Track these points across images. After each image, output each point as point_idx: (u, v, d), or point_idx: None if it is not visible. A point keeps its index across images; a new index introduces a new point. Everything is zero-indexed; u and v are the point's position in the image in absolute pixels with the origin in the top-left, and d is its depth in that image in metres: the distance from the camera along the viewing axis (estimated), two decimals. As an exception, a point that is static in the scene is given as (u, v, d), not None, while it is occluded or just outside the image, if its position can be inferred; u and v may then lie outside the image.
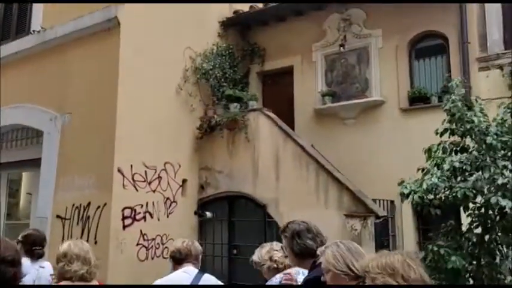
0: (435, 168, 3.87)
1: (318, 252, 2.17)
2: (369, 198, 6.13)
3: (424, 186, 3.64)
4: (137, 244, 6.43)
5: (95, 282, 2.81)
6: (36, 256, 3.89)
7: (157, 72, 6.96)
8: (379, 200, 6.53)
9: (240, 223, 7.27)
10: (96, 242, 6.15)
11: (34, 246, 3.89)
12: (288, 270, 2.87)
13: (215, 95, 7.76)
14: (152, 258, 6.58)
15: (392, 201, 6.87)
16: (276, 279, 2.85)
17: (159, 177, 6.87)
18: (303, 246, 2.50)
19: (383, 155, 7.05)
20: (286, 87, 8.36)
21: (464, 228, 3.91)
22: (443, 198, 3.73)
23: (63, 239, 6.08)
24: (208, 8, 8.04)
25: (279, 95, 8.38)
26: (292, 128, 7.55)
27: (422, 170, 3.98)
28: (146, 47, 6.79)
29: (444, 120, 4.09)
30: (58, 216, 6.55)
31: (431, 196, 3.69)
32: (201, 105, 7.72)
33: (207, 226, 7.50)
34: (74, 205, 6.44)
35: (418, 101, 6.91)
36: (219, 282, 3.24)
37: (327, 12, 7.94)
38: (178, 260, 3.19)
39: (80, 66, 6.83)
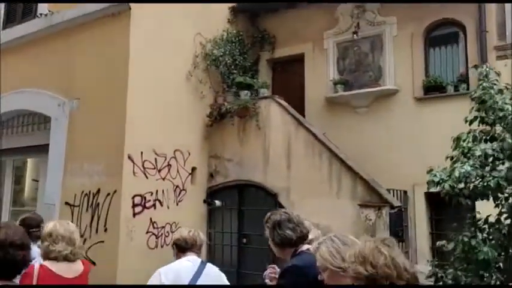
0: (462, 156, 3.77)
1: (311, 249, 2.04)
2: (383, 188, 6.04)
3: (456, 173, 3.53)
4: (147, 232, 6.35)
5: (79, 263, 2.88)
6: (34, 237, 3.97)
7: (168, 58, 6.82)
8: (392, 190, 6.45)
9: (250, 212, 7.18)
10: (106, 230, 6.08)
11: (31, 229, 3.99)
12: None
13: (225, 82, 7.62)
14: (162, 247, 6.50)
15: (405, 192, 6.79)
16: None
17: (169, 165, 6.77)
18: (283, 236, 2.53)
19: (396, 145, 6.95)
20: (297, 75, 8.23)
21: (492, 218, 3.82)
22: (471, 187, 3.64)
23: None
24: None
25: (289, 83, 8.25)
26: (303, 116, 7.42)
27: (451, 158, 3.87)
28: (156, 32, 6.64)
29: (472, 108, 3.97)
30: (67, 203, 6.44)
31: (461, 185, 3.59)
32: (211, 93, 7.58)
33: (216, 214, 7.42)
34: (83, 192, 6.33)
35: (433, 90, 6.79)
36: (221, 274, 3.26)
37: (339, -2, 7.78)
38: (183, 248, 3.21)
39: (89, 51, 6.67)
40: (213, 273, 3.16)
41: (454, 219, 6.53)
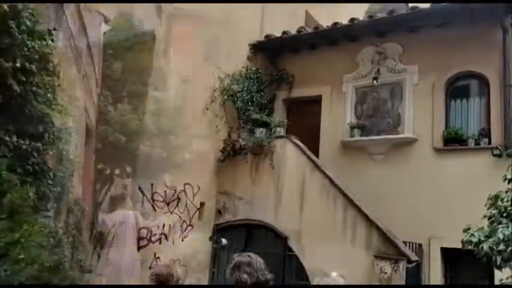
0: (499, 216, 3.58)
1: None
2: (399, 239, 5.80)
3: (500, 236, 3.33)
4: (150, 267, 6.05)
5: None
6: None
7: (187, 90, 6.77)
8: (408, 243, 6.19)
9: (257, 254, 6.86)
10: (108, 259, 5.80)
11: None
12: None
13: (241, 118, 7.53)
14: (163, 284, 6.19)
15: (420, 245, 6.52)
16: None
17: (178, 199, 6.59)
18: (238, 278, 2.43)
19: (412, 195, 6.74)
20: (312, 117, 8.13)
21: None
22: (510, 250, 3.42)
23: (73, 255, 5.71)
24: (240, 30, 7.91)
25: (303, 124, 8.13)
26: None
27: (489, 218, 3.68)
28: (178, 63, 6.61)
29: (510, 165, 3.81)
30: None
31: (501, 247, 3.39)
32: (225, 127, 7.48)
33: (221, 254, 7.13)
34: (87, 220, 6.09)
35: (453, 141, 6.65)
36: None
37: (360, 44, 7.79)
38: (162, 282, 3.30)
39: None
40: None
41: (470, 278, 6.32)
